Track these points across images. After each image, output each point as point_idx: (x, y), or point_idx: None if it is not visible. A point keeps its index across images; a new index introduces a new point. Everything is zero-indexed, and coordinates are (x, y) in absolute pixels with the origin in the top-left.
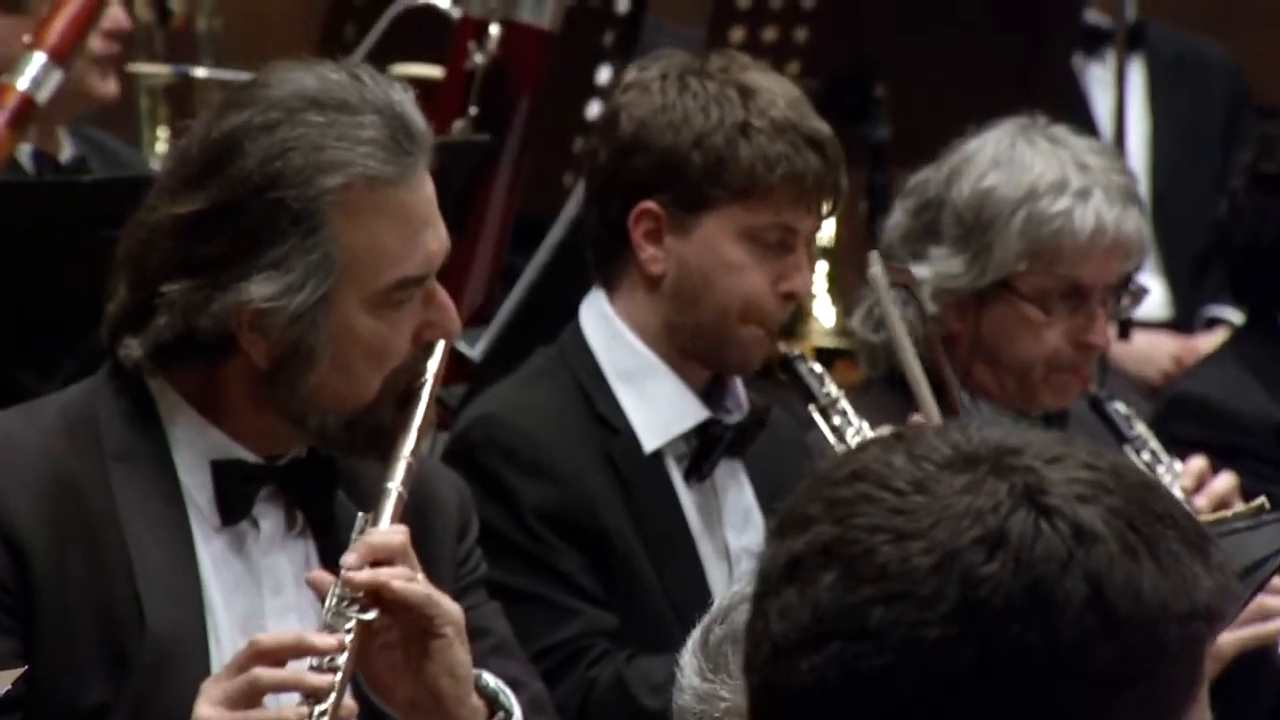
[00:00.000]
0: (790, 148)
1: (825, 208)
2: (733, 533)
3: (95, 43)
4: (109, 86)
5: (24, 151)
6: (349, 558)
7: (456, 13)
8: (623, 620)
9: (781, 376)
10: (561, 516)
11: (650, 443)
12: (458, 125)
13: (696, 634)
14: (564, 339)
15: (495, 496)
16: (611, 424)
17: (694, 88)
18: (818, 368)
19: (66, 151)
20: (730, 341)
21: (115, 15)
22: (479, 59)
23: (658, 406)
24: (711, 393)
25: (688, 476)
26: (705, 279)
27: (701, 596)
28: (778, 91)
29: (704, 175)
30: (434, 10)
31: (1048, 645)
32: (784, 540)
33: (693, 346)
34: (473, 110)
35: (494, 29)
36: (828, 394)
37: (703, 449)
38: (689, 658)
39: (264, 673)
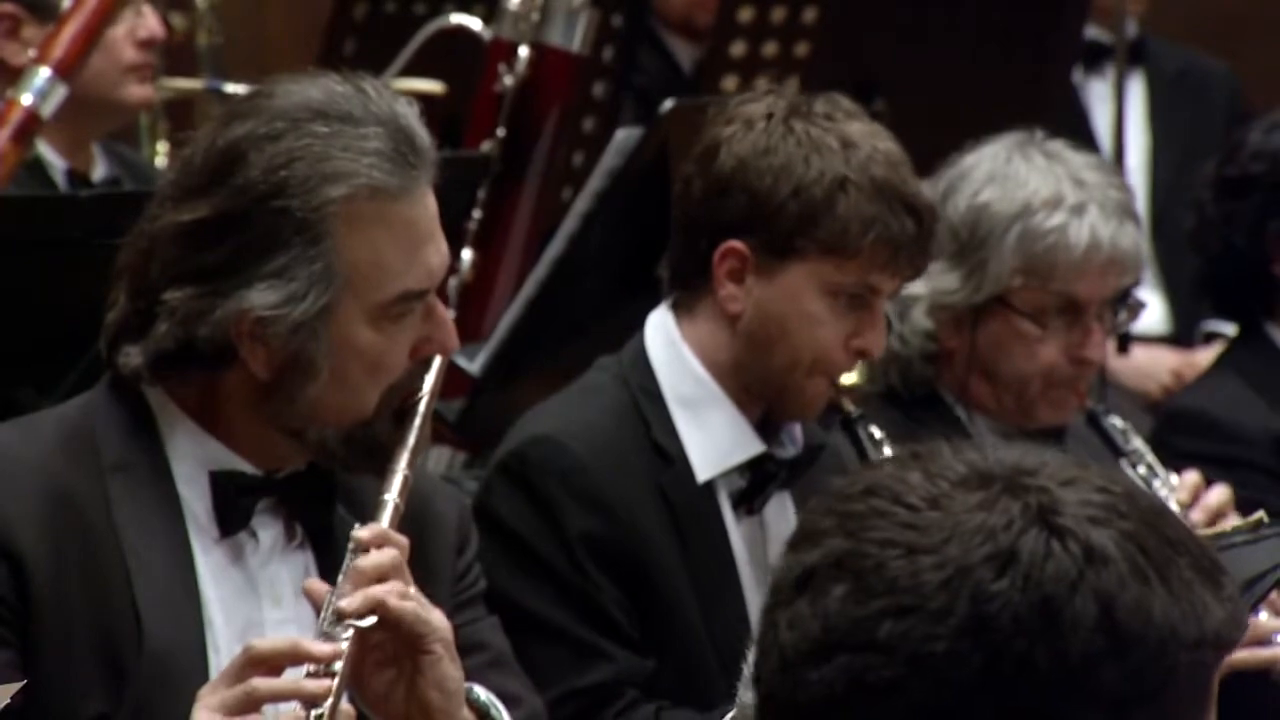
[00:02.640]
0: (887, 210)
1: (912, 271)
2: None
3: (129, 53)
4: (144, 93)
5: (57, 170)
6: (342, 586)
7: (488, 34)
8: (662, 655)
9: (841, 433)
10: (607, 547)
11: (704, 473)
12: (486, 146)
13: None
14: (626, 356)
15: (543, 520)
16: (666, 451)
17: (798, 132)
18: (878, 433)
19: (99, 170)
20: (794, 390)
21: (150, 25)
22: (508, 81)
23: (714, 437)
24: (767, 425)
25: (737, 509)
26: (782, 326)
27: (743, 630)
28: (880, 148)
29: (796, 225)
30: (465, 31)
31: (1055, 663)
32: (797, 553)
33: (756, 387)
34: (501, 132)
35: (524, 51)
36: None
37: (755, 483)
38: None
39: (261, 682)
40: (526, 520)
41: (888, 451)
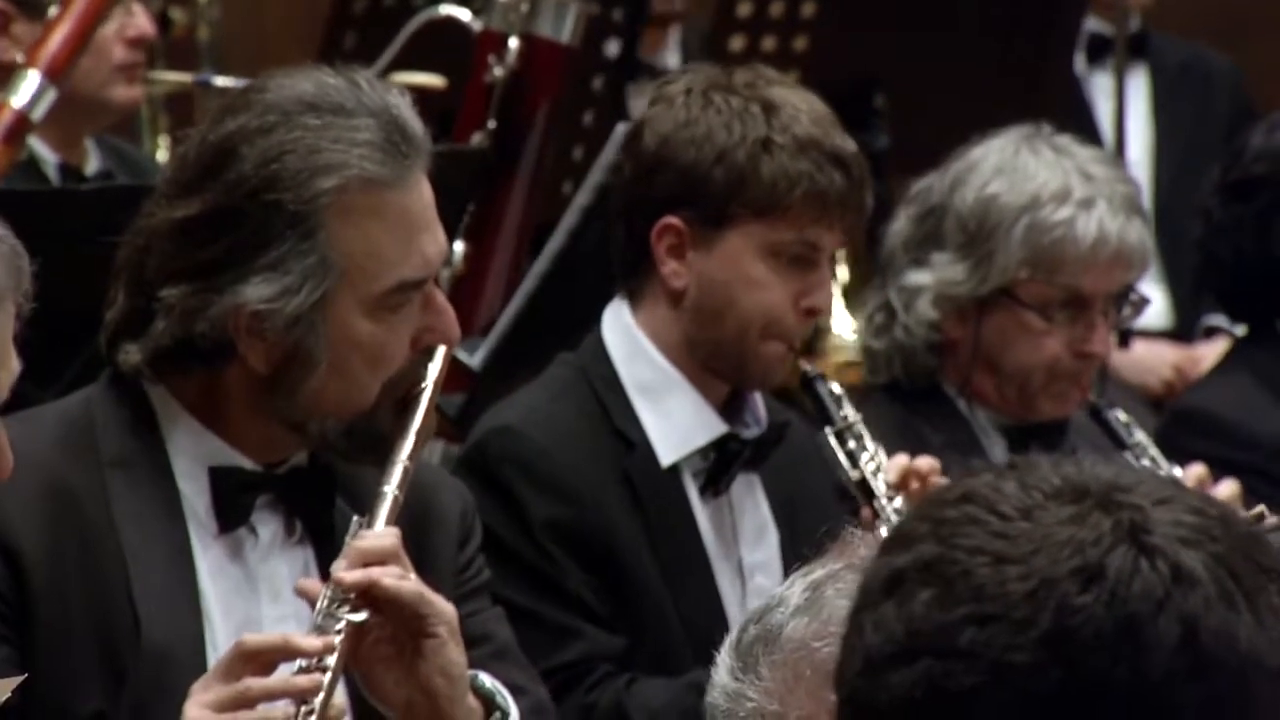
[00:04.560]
0: (813, 165)
1: (849, 224)
2: (747, 548)
3: (119, 51)
4: (132, 93)
5: (50, 164)
6: (339, 563)
7: (477, 26)
8: (633, 638)
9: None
10: (572, 533)
11: (667, 457)
12: (476, 137)
13: (733, 632)
14: (584, 349)
15: (506, 509)
16: (628, 438)
17: (718, 103)
18: (837, 389)
19: (92, 164)
20: (751, 357)
21: (140, 24)
22: (498, 72)
23: (675, 421)
24: (730, 407)
25: (703, 491)
26: (727, 295)
27: (714, 613)
28: (802, 108)
29: (726, 192)
30: (455, 23)
31: (1135, 682)
32: (888, 556)
33: (714, 362)
34: (491, 123)
35: (514, 43)
36: (844, 417)
37: (720, 464)
38: (723, 655)
39: (255, 681)
40: (491, 511)
41: (848, 409)
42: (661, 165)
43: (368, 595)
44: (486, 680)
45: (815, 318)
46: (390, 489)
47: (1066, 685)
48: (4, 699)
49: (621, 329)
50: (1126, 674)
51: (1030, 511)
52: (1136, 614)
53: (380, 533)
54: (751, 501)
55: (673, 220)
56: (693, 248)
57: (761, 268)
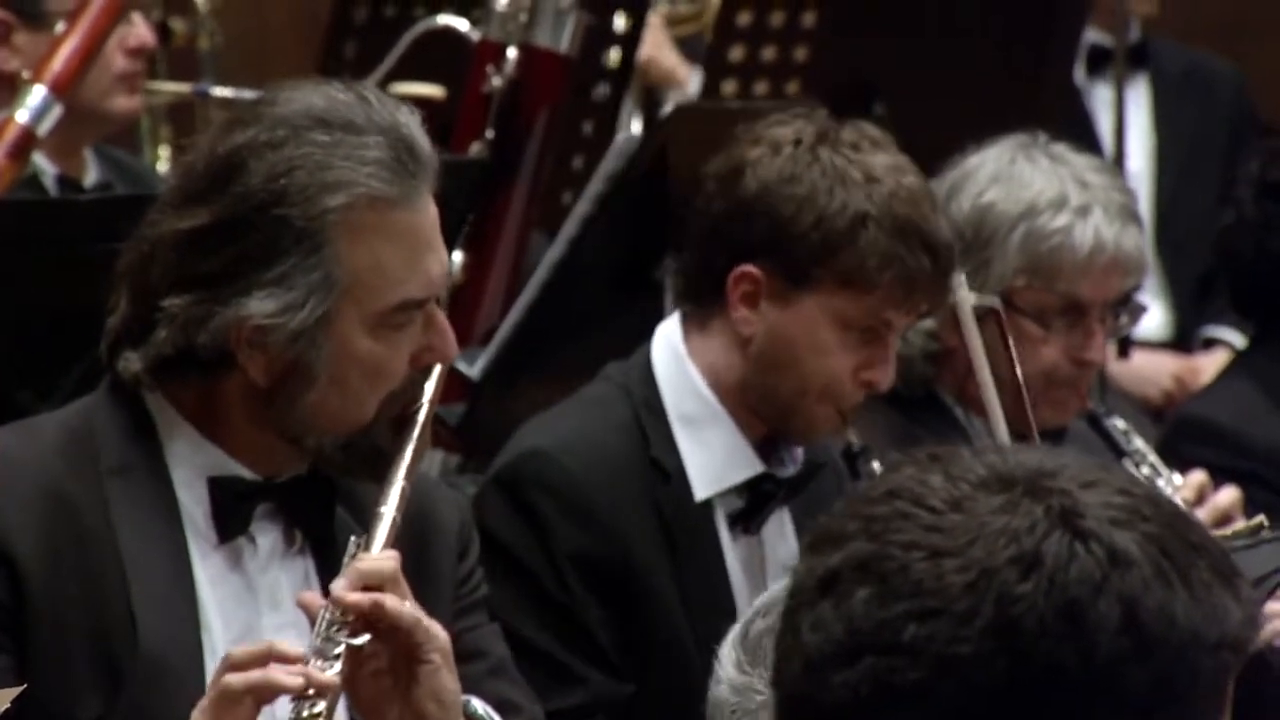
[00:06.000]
0: (905, 249)
1: (927, 308)
2: (774, 582)
3: (119, 61)
4: (132, 103)
5: (48, 175)
6: (338, 584)
7: (475, 35)
8: (650, 675)
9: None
10: (595, 564)
11: (701, 491)
12: (474, 147)
13: (737, 627)
14: (631, 368)
15: (534, 535)
16: (664, 468)
17: (823, 161)
18: (878, 467)
19: (91, 175)
20: (802, 415)
21: (140, 33)
22: (497, 82)
23: (714, 455)
24: (767, 445)
25: (734, 528)
26: (792, 354)
27: None
28: (903, 184)
29: (815, 255)
30: (453, 32)
31: (1081, 666)
32: (819, 555)
33: (762, 406)
34: (490, 133)
35: (512, 52)
36: None
37: (754, 503)
38: (728, 650)
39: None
40: (517, 535)
41: None
42: (756, 213)
43: (367, 619)
44: (479, 706)
45: (870, 389)
46: (388, 510)
47: (1013, 674)
48: (2, 710)
49: (672, 355)
50: (1073, 659)
51: (960, 503)
52: (1077, 599)
53: (379, 556)
54: (783, 539)
55: (753, 269)
56: (768, 300)
57: (832, 335)
